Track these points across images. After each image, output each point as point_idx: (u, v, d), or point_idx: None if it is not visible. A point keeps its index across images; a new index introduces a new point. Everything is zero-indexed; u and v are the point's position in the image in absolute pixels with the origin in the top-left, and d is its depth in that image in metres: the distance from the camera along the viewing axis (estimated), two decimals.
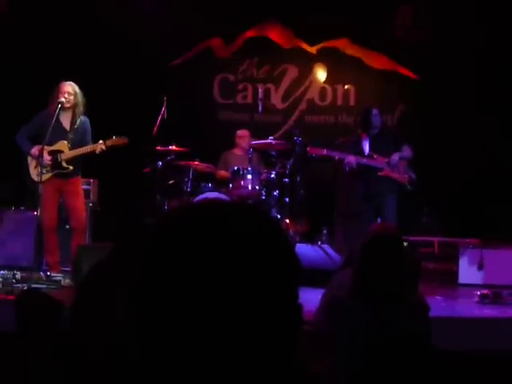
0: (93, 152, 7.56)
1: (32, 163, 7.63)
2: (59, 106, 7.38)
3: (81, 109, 7.63)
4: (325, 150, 8.14)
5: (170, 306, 1.06)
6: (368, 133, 8.27)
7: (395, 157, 8.12)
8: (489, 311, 6.46)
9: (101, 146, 7.53)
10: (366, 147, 8.19)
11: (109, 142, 7.58)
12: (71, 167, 7.60)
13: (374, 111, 8.26)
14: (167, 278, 1.06)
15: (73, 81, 7.65)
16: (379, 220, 8.24)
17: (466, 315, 6.33)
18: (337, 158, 8.13)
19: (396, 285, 3.26)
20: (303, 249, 8.16)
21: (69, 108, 7.58)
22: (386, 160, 8.11)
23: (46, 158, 7.45)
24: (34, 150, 7.50)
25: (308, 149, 8.30)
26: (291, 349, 1.10)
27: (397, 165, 8.15)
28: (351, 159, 8.00)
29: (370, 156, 8.13)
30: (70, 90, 7.54)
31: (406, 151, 8.23)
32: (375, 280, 3.27)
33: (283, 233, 1.16)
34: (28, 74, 10.23)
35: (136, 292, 1.10)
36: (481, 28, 10.44)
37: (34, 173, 7.61)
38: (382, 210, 8.15)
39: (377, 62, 11.47)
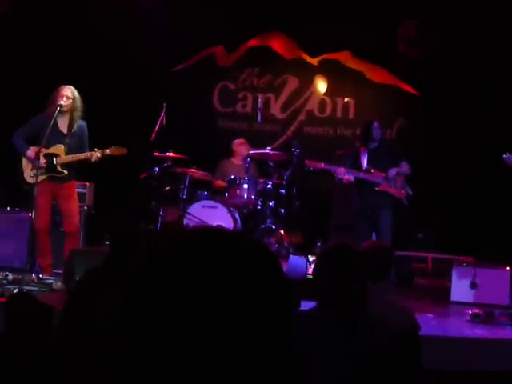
0: (88, 159, 7.54)
1: (27, 165, 7.61)
2: (57, 109, 7.37)
3: (79, 113, 7.62)
4: (322, 164, 8.14)
5: (158, 326, 1.06)
6: (367, 146, 8.26)
7: (393, 172, 8.12)
8: (480, 331, 6.44)
9: (96, 154, 7.51)
10: (365, 161, 8.18)
11: (107, 151, 7.57)
12: (66, 172, 7.59)
13: (375, 124, 8.26)
14: (158, 304, 1.06)
15: (72, 85, 7.64)
16: (374, 234, 8.24)
17: (457, 334, 6.31)
18: (334, 171, 8.12)
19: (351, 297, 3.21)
20: (296, 260, 8.14)
21: (67, 112, 7.57)
22: (384, 175, 8.11)
23: (41, 160, 7.44)
24: (30, 152, 7.48)
25: (306, 161, 8.30)
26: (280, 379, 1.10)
27: (394, 180, 8.15)
28: (340, 171, 8.00)
29: (367, 170, 8.12)
30: (69, 93, 7.53)
31: (404, 167, 8.24)
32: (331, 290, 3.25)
33: (279, 268, 1.15)
34: (27, 77, 10.23)
35: (128, 311, 1.10)
36: (481, 44, 10.46)
37: (28, 174, 7.59)
38: (377, 224, 8.12)
39: (377, 76, 11.49)
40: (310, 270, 7.08)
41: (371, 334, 3.12)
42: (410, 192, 8.19)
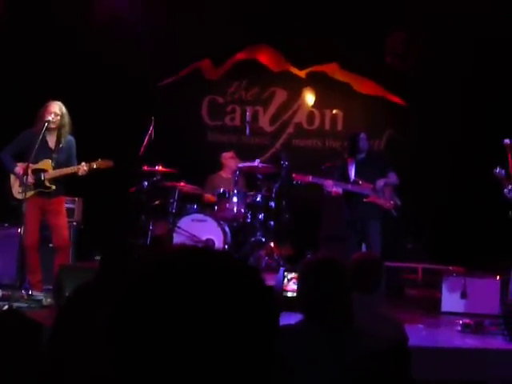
0: (75, 173, 7.53)
1: (15, 181, 7.59)
2: (45, 125, 7.35)
3: (67, 129, 7.61)
4: (310, 177, 8.16)
5: (141, 344, 1.06)
6: (354, 157, 8.28)
7: (380, 183, 8.14)
8: (470, 341, 6.45)
9: (83, 168, 7.50)
10: (352, 172, 8.19)
11: (93, 164, 7.55)
12: (54, 186, 7.57)
13: (362, 135, 8.29)
14: (142, 323, 1.06)
15: (60, 99, 7.64)
16: (363, 246, 8.25)
17: (447, 345, 6.31)
18: (322, 184, 8.13)
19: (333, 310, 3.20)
20: None
21: (55, 128, 7.56)
22: (372, 186, 8.13)
23: (30, 176, 7.41)
24: (18, 169, 7.47)
25: (293, 175, 8.31)
26: None
27: (382, 191, 8.17)
28: (329, 183, 8.02)
29: (355, 182, 8.14)
30: (57, 110, 7.52)
31: (392, 177, 8.26)
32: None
33: (263, 288, 1.15)
34: (14, 93, 10.22)
35: (112, 329, 1.10)
36: (468, 55, 10.51)
37: (16, 191, 7.57)
38: (367, 235, 8.14)
39: (365, 87, 11.53)
40: (288, 287, 7.03)
41: (358, 347, 3.12)
42: (399, 202, 8.21)
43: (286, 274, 7.19)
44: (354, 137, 8.35)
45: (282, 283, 7.07)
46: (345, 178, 8.20)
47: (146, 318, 1.06)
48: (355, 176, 8.16)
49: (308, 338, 3.08)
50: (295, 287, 5.68)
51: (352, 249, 7.55)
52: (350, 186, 8.13)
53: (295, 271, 6.90)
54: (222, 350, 1.05)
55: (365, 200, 8.09)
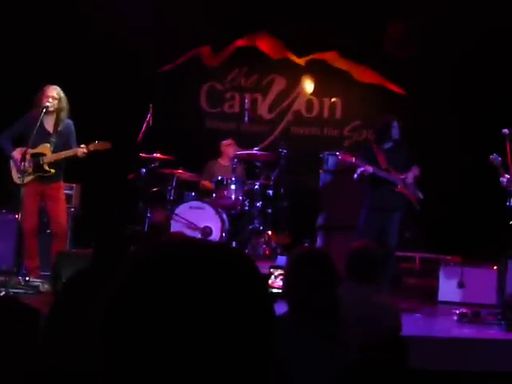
0: (74, 156, 7.52)
1: (13, 166, 7.58)
2: (43, 109, 7.34)
3: (65, 113, 7.60)
4: (353, 159, 7.74)
5: (136, 340, 1.05)
6: (382, 145, 7.95)
7: (411, 175, 7.89)
8: (467, 331, 6.47)
9: (82, 150, 7.49)
10: (383, 160, 7.83)
11: (91, 147, 7.53)
12: (53, 170, 7.55)
13: (395, 123, 7.90)
14: (136, 316, 1.05)
15: (58, 84, 7.62)
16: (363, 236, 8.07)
17: (444, 335, 6.33)
18: (362, 168, 7.66)
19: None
20: (284, 261, 8.13)
21: (53, 112, 7.54)
22: (402, 176, 7.87)
23: (27, 161, 7.39)
24: (16, 154, 7.45)
25: (339, 154, 8.02)
26: None
27: (411, 183, 7.94)
28: (369, 168, 7.62)
29: (386, 170, 7.80)
30: (54, 94, 7.50)
31: (415, 171, 8.02)
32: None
33: (260, 280, 1.14)
34: (13, 76, 10.18)
35: (106, 323, 1.09)
36: (468, 44, 10.48)
37: (15, 175, 7.55)
38: (387, 226, 7.80)
39: (364, 75, 11.50)
40: (275, 283, 7.00)
41: (345, 337, 3.13)
42: (421, 197, 8.00)
43: (272, 270, 7.14)
44: (386, 124, 7.95)
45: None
46: (375, 164, 7.79)
47: (141, 313, 1.05)
48: (386, 164, 7.83)
49: (295, 329, 3.09)
50: (281, 284, 5.68)
51: (368, 237, 7.17)
52: (382, 173, 7.75)
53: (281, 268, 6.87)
54: (217, 345, 1.04)
55: (396, 190, 7.78)
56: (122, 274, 1.10)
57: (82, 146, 7.53)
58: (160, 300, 1.05)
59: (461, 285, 8.12)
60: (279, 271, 6.98)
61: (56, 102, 7.50)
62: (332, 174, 9.36)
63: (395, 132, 7.91)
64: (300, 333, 3.07)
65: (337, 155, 8.09)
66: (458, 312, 6.96)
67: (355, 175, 7.75)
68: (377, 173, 7.70)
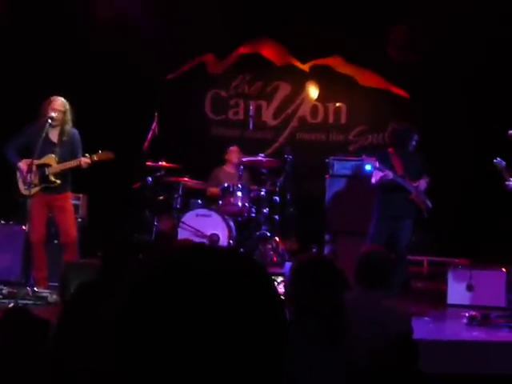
0: (79, 166, 7.52)
1: (21, 177, 7.59)
2: (49, 121, 7.35)
3: (69, 125, 7.61)
4: (377, 163, 7.64)
5: (147, 344, 1.05)
6: (397, 151, 7.88)
7: (423, 183, 7.88)
8: (477, 334, 6.44)
9: (86, 160, 7.50)
10: (399, 167, 7.78)
11: (95, 157, 7.54)
12: (58, 181, 7.56)
13: (416, 136, 7.91)
14: (146, 324, 1.05)
15: (64, 94, 7.63)
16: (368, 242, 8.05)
17: (454, 338, 6.31)
18: (383, 173, 7.62)
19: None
20: None
21: (58, 124, 7.55)
22: (416, 184, 7.83)
23: (33, 173, 7.39)
24: (22, 165, 7.45)
25: (363, 155, 7.87)
26: None
27: (422, 191, 7.90)
28: (389, 174, 7.59)
29: (402, 176, 7.75)
30: (60, 106, 7.51)
31: (426, 179, 7.97)
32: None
33: (270, 286, 1.14)
34: (19, 86, 10.21)
35: (116, 330, 1.09)
36: (471, 47, 10.48)
37: (22, 186, 7.56)
38: (398, 233, 7.75)
39: (369, 80, 11.49)
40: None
41: (353, 341, 3.13)
42: (430, 206, 7.99)
43: (273, 277, 7.12)
44: (407, 133, 7.94)
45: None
46: (391, 169, 7.73)
47: (151, 320, 1.05)
48: (402, 171, 7.77)
49: (300, 334, 3.08)
50: (283, 290, 5.68)
51: (378, 242, 7.13)
52: (399, 179, 7.68)
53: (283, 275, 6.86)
54: (230, 350, 1.04)
55: (410, 197, 7.72)
56: (132, 279, 1.10)
57: (86, 155, 7.54)
58: (173, 304, 1.05)
59: (469, 287, 8.10)
60: (281, 278, 6.99)
61: (61, 114, 7.52)
62: (338, 180, 9.34)
63: (412, 145, 7.91)
64: (305, 338, 3.07)
65: (362, 158, 7.96)
66: (467, 315, 6.94)
67: (373, 180, 7.71)
68: (395, 179, 7.65)
